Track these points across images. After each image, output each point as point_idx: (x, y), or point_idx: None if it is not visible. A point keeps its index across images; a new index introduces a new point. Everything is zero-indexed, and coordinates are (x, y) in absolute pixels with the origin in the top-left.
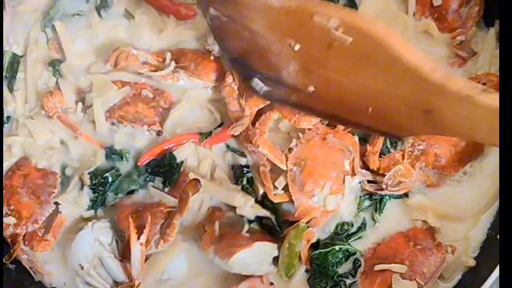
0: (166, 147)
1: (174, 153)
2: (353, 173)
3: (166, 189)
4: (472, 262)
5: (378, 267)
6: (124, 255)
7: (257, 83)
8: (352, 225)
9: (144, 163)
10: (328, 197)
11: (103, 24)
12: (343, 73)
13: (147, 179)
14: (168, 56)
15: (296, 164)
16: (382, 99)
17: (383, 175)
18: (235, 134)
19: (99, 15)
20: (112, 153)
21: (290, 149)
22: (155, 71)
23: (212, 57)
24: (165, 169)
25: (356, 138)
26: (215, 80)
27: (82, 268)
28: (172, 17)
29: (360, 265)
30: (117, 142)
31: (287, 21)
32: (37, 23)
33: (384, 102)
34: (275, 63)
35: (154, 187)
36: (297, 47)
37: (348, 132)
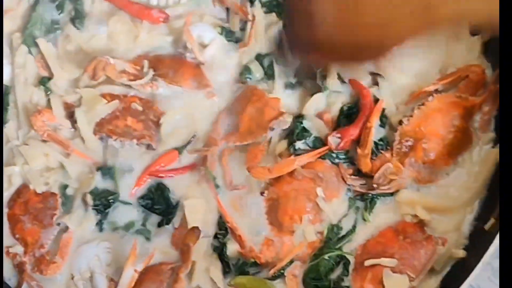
0: (155, 175)
1: (169, 185)
2: (332, 196)
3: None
4: (462, 253)
5: (368, 262)
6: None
7: None
8: (342, 228)
9: (136, 195)
10: (307, 229)
11: (80, 35)
12: None
13: (145, 214)
14: (146, 64)
15: (270, 206)
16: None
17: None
18: None
19: (75, 26)
20: (104, 173)
21: (261, 194)
22: (134, 80)
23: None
24: (161, 207)
25: (327, 162)
26: (193, 86)
27: (72, 278)
28: (146, 23)
29: (349, 263)
30: (108, 159)
31: None
32: (20, 47)
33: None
34: None
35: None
36: None
37: (319, 157)
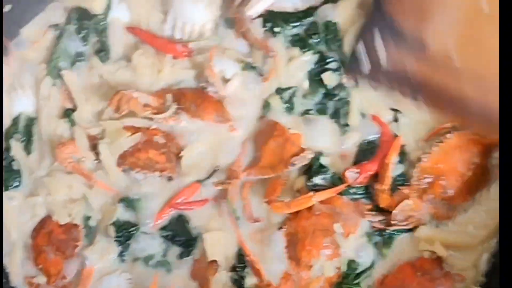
0: (177, 208)
1: (190, 217)
2: (349, 231)
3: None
4: None
5: None
6: None
7: None
8: (360, 264)
9: (157, 226)
10: (325, 264)
11: (105, 67)
12: None
13: (165, 246)
14: (169, 97)
15: (288, 241)
16: None
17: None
18: None
19: (100, 59)
20: (126, 204)
21: (280, 228)
22: (157, 113)
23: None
24: (182, 239)
25: (345, 197)
26: (216, 120)
27: None
28: (169, 56)
29: None
30: (132, 191)
31: None
32: (45, 78)
33: None
34: None
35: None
36: None
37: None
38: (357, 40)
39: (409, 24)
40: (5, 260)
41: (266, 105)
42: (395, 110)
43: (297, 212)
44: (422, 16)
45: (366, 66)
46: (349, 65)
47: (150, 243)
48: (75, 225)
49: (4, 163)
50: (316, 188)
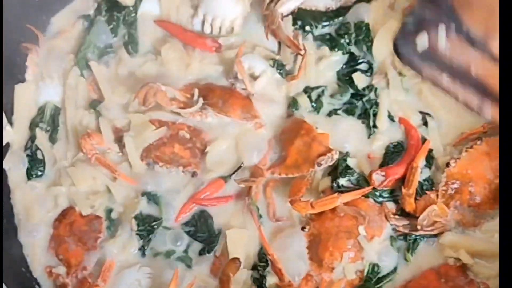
0: (201, 203)
1: (212, 214)
2: (373, 235)
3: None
4: None
5: None
6: None
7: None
8: (383, 268)
9: (181, 221)
10: (347, 267)
11: (133, 60)
12: None
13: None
14: (196, 92)
15: (310, 242)
16: None
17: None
18: None
19: (128, 51)
20: (149, 198)
21: (303, 228)
22: (184, 107)
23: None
24: (204, 235)
25: (371, 200)
26: (242, 116)
27: None
28: (198, 51)
29: None
30: (155, 185)
31: None
32: (73, 69)
33: None
34: None
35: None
36: None
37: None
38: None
39: (476, 23)
40: (26, 250)
41: (293, 104)
42: (425, 113)
43: (320, 213)
44: (490, 19)
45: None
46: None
47: (171, 238)
48: (98, 217)
49: (28, 152)
50: (341, 190)
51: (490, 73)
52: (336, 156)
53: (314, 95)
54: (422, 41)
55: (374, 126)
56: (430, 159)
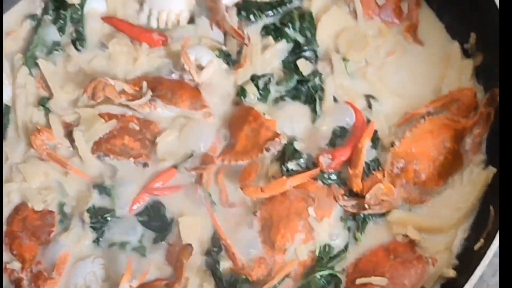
0: (152, 193)
1: (165, 203)
2: (323, 216)
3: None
4: (452, 273)
5: (359, 281)
6: None
7: None
8: (334, 248)
9: (134, 212)
10: (299, 248)
11: (81, 56)
12: None
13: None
14: (144, 85)
15: (263, 225)
16: None
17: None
18: None
19: (76, 48)
20: (101, 191)
21: (254, 213)
22: (132, 100)
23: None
24: (157, 224)
25: (319, 182)
26: (191, 107)
27: None
28: (145, 45)
29: (341, 282)
30: (107, 177)
31: None
32: (21, 68)
33: None
34: None
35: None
36: None
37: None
38: None
39: None
40: None
41: (241, 92)
42: (369, 96)
43: (271, 197)
44: None
45: None
46: None
47: (125, 228)
48: (50, 212)
49: None
50: (291, 174)
51: None
52: (284, 141)
53: (261, 83)
54: None
55: (320, 110)
56: (375, 140)
